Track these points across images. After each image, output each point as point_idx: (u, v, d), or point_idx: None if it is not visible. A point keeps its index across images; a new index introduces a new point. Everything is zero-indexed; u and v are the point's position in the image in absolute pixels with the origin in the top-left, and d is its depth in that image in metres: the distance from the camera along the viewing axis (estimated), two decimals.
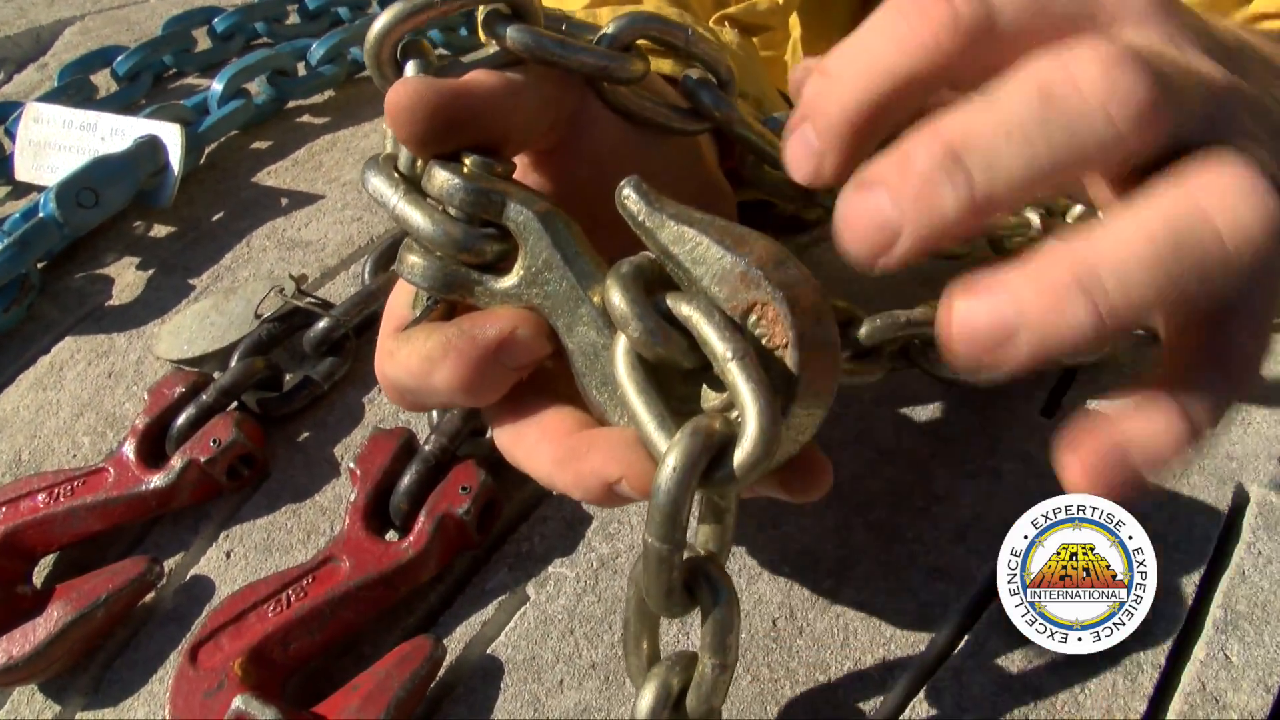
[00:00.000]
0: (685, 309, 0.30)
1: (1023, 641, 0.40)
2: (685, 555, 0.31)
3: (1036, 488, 0.45)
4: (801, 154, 0.29)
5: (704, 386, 0.32)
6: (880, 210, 0.25)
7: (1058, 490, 0.44)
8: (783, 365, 0.29)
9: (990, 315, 0.25)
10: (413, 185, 0.35)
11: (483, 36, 0.37)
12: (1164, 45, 0.27)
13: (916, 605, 0.42)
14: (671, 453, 0.28)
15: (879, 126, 0.28)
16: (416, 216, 0.33)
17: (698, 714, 0.33)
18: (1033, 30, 0.27)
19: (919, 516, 0.44)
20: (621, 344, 0.31)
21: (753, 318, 0.30)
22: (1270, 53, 0.32)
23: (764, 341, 0.30)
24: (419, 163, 0.35)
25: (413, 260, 0.34)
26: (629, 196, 0.31)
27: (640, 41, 0.39)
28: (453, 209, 0.33)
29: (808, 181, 0.29)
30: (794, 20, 0.91)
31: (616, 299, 0.30)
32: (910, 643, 0.41)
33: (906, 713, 0.39)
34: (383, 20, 0.34)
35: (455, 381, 0.33)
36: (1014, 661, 0.40)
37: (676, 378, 0.32)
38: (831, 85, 0.28)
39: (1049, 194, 0.25)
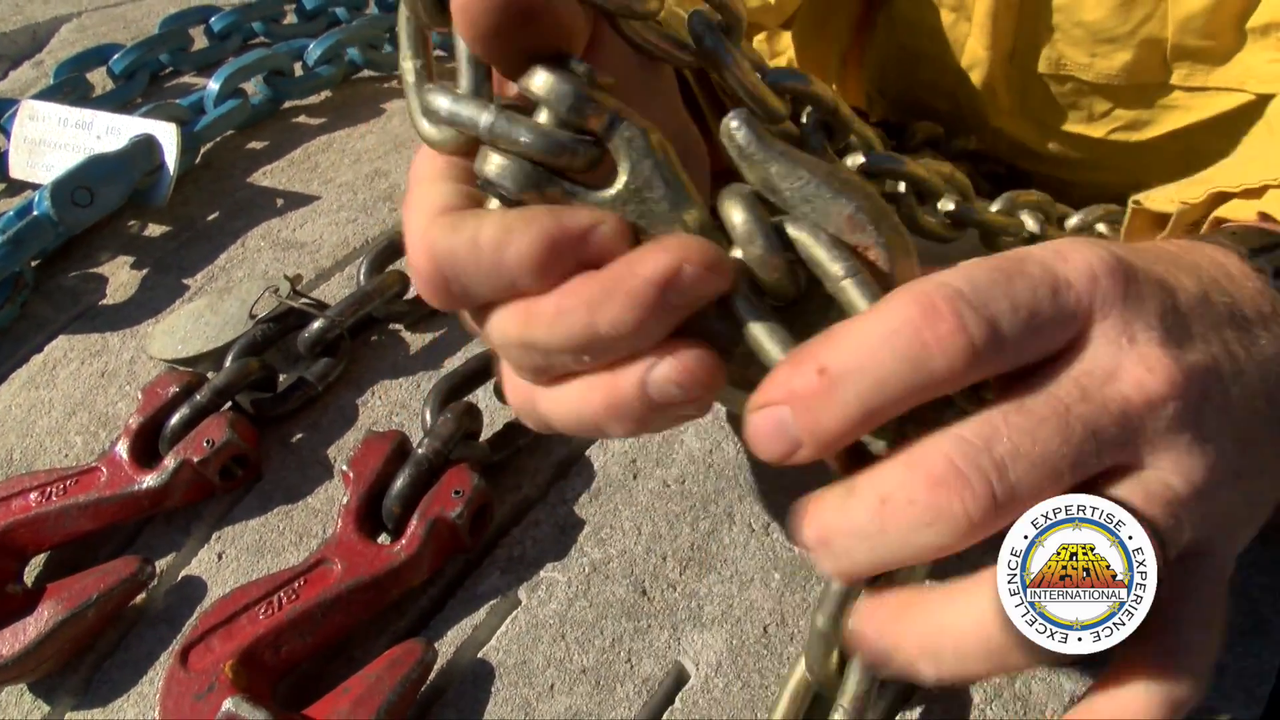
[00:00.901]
0: (793, 230, 0.30)
1: None
2: None
3: None
4: (776, 438, 0.28)
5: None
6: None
7: None
8: None
9: None
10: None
11: None
12: (1109, 344, 0.29)
13: None
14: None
15: (865, 432, 0.28)
16: (522, 127, 0.32)
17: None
18: (1025, 344, 0.28)
19: None
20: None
21: None
22: (1234, 298, 0.32)
23: None
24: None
25: (497, 160, 0.33)
26: (738, 129, 0.31)
27: None
28: (553, 112, 0.32)
29: (772, 459, 0.29)
30: (787, 40, 0.91)
31: (739, 217, 0.30)
32: None
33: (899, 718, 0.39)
34: None
35: (530, 257, 0.30)
36: None
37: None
38: (834, 392, 0.27)
39: None
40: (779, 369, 0.29)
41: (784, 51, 0.96)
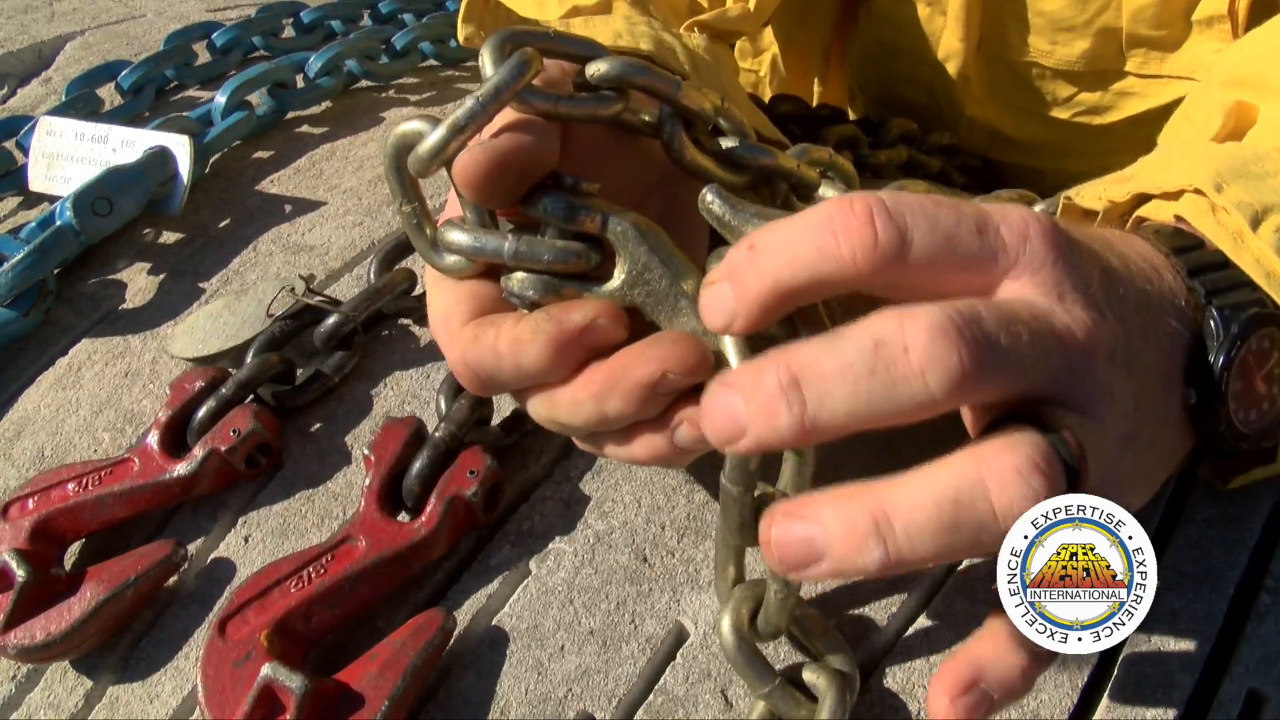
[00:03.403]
0: None
1: (984, 603, 0.44)
2: (759, 493, 0.36)
3: None
4: (718, 307, 0.32)
5: None
6: (733, 410, 0.29)
7: None
8: None
9: (802, 539, 0.30)
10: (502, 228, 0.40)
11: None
12: (1042, 296, 0.31)
13: None
14: None
15: (787, 307, 0.32)
16: (540, 247, 0.38)
17: (766, 632, 0.40)
18: (938, 264, 0.31)
19: None
20: None
21: None
22: (1152, 287, 0.36)
23: None
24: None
25: (519, 276, 0.39)
26: (713, 202, 0.36)
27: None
28: (554, 227, 0.38)
29: (717, 329, 0.33)
30: (770, 37, 0.94)
31: None
32: (882, 605, 0.44)
33: (880, 667, 0.42)
34: (434, 139, 0.37)
35: (541, 360, 0.37)
36: (976, 619, 0.43)
37: None
38: (755, 264, 0.31)
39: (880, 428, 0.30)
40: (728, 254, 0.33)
41: (768, 49, 0.99)
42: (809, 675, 0.40)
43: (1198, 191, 0.39)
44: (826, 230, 0.30)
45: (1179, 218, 0.40)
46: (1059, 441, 0.29)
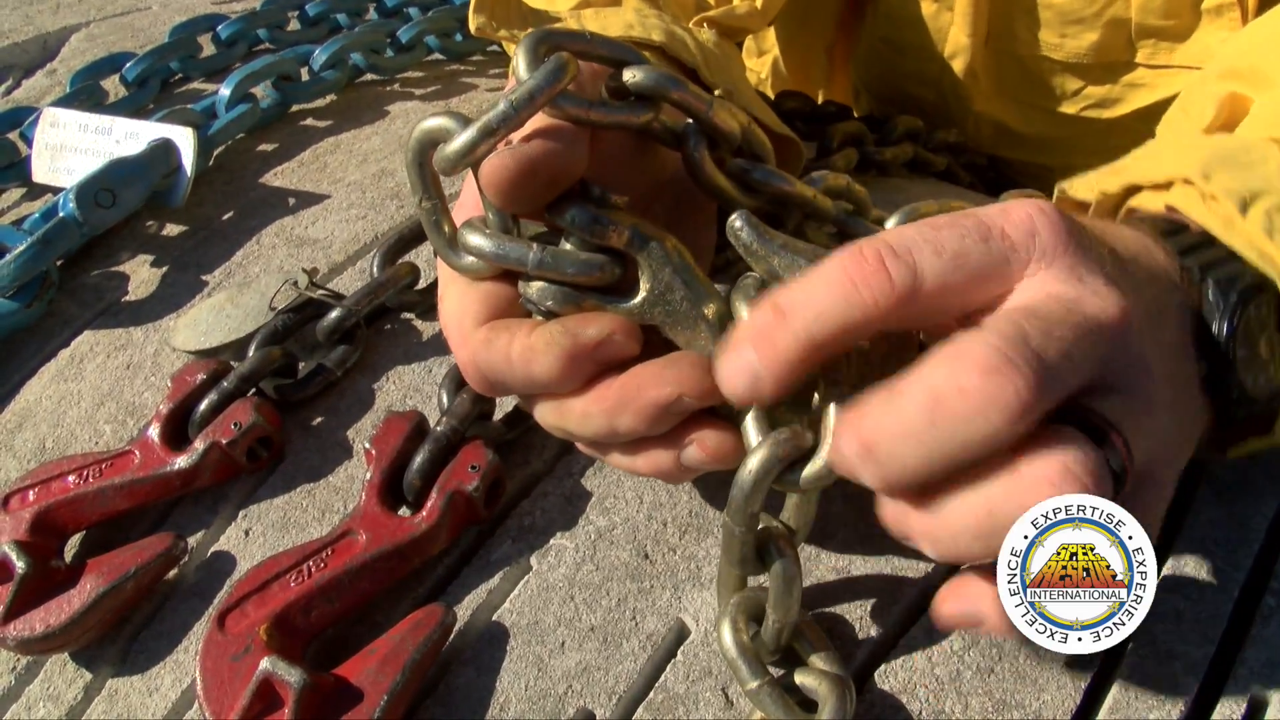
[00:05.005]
0: None
1: None
2: (763, 527, 0.37)
3: None
4: (741, 373, 0.33)
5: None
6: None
7: None
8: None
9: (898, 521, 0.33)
10: (522, 234, 0.39)
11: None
12: (1063, 284, 0.32)
13: (890, 570, 0.45)
14: (753, 456, 0.34)
15: (817, 360, 0.33)
16: (564, 259, 0.37)
17: (769, 649, 0.40)
18: (953, 286, 0.32)
19: None
20: None
21: None
22: (1153, 265, 0.37)
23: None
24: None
25: (538, 285, 0.38)
26: (741, 229, 0.36)
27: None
28: (578, 237, 0.37)
29: (738, 398, 0.34)
30: (773, 39, 0.94)
31: (746, 312, 0.36)
32: (883, 604, 0.44)
33: (881, 667, 0.42)
34: (464, 140, 0.36)
35: (552, 372, 0.37)
36: None
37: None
38: (783, 323, 0.32)
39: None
40: (743, 318, 0.35)
41: (769, 50, 0.99)
42: (801, 678, 0.40)
43: (1187, 181, 0.40)
44: (845, 281, 0.32)
45: (1170, 207, 0.40)
46: (1110, 453, 0.30)
